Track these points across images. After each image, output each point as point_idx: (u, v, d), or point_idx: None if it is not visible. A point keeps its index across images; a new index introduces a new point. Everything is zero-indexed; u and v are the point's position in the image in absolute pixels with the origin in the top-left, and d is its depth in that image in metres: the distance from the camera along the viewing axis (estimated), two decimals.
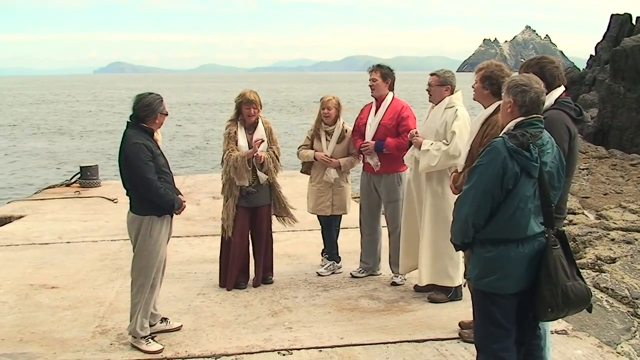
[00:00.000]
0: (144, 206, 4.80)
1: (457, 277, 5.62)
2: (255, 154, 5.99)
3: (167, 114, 4.97)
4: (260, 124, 6.16)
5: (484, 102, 4.60)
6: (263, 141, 6.05)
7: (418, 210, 5.75)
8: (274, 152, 6.18)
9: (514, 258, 3.41)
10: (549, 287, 3.35)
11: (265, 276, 6.37)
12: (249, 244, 6.29)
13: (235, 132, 6.09)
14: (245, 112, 6.07)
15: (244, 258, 6.26)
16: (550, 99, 3.95)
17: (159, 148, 4.94)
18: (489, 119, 4.48)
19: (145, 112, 4.80)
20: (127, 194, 4.89)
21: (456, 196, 3.84)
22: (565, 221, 12.07)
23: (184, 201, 5.02)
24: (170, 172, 4.98)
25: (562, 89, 4.10)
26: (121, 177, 4.88)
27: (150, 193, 4.72)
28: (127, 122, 4.87)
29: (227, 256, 6.21)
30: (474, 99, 4.71)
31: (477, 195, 3.41)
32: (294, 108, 65.34)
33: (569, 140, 3.91)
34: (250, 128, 6.13)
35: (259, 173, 6.10)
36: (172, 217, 4.99)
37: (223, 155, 6.11)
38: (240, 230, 6.15)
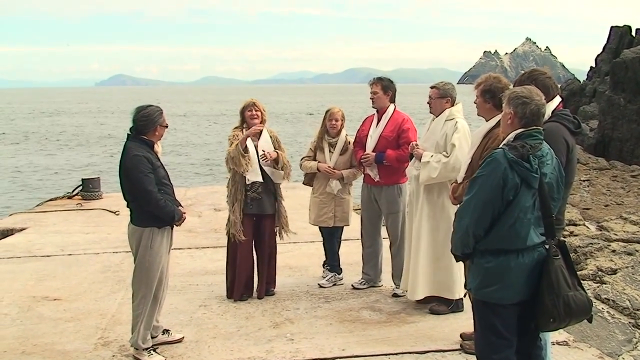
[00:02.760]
0: (144, 218, 4.83)
1: (457, 290, 5.62)
2: (266, 153, 6.06)
3: (167, 126, 5.01)
4: (265, 132, 6.22)
5: (487, 116, 4.63)
6: (268, 154, 6.09)
7: (417, 223, 5.75)
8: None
9: (514, 268, 3.43)
10: (550, 297, 3.37)
11: (267, 288, 6.37)
12: (254, 255, 6.31)
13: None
14: (248, 115, 6.15)
15: (250, 269, 6.28)
16: (547, 110, 3.98)
17: (159, 160, 4.98)
18: (490, 132, 4.51)
19: (145, 124, 4.84)
20: (127, 206, 4.93)
21: (455, 208, 3.87)
22: (566, 232, 12.12)
23: (184, 213, 5.04)
24: (171, 183, 5.01)
25: (558, 99, 4.14)
26: (122, 189, 4.91)
27: (151, 205, 4.75)
28: (128, 134, 4.91)
29: (233, 267, 6.22)
30: (478, 115, 4.73)
31: (478, 206, 3.43)
32: (290, 119, 65.45)
33: (566, 152, 3.94)
34: (256, 136, 6.19)
35: (273, 172, 6.16)
36: (172, 228, 5.02)
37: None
38: (246, 241, 6.17)
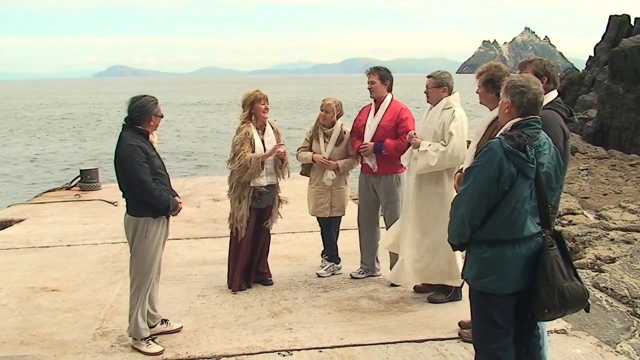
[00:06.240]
0: (139, 207, 4.83)
1: (459, 277, 5.63)
2: (277, 152, 6.03)
3: (162, 116, 5.00)
4: (268, 124, 6.19)
5: (490, 105, 4.62)
6: (283, 144, 6.12)
7: (416, 210, 5.75)
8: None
9: (511, 258, 3.42)
10: (545, 288, 3.37)
11: (264, 277, 6.38)
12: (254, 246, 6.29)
13: (252, 135, 6.04)
14: (261, 108, 6.05)
15: (251, 260, 6.28)
16: (546, 99, 4.00)
17: (154, 150, 4.97)
18: (495, 121, 4.49)
19: (140, 114, 4.83)
20: (123, 196, 4.93)
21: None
22: (565, 221, 12.13)
23: (180, 202, 5.03)
24: (167, 173, 5.00)
25: (556, 93, 4.19)
26: (117, 179, 4.91)
27: (145, 194, 4.75)
28: (123, 124, 4.91)
29: (235, 259, 6.20)
30: (480, 103, 4.74)
31: (473, 196, 3.42)
32: (292, 109, 65.36)
33: (563, 139, 3.96)
34: (260, 128, 6.15)
35: (281, 170, 6.18)
36: (168, 218, 5.01)
37: (234, 156, 6.03)
38: (250, 233, 6.16)
